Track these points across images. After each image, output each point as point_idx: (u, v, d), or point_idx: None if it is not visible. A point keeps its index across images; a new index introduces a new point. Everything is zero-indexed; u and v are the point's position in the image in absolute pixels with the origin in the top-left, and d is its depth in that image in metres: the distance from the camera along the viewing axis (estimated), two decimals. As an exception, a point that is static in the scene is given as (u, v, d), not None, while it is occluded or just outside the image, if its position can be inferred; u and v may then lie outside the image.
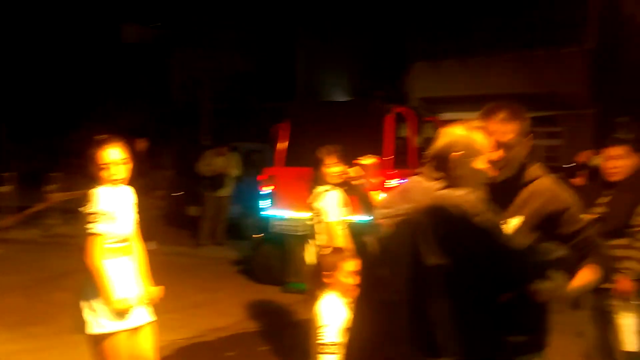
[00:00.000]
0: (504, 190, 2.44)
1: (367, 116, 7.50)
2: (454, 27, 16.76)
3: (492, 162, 2.40)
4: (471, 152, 2.22)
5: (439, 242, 2.04)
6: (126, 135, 3.78)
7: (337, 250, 3.58)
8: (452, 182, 2.20)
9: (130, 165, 3.28)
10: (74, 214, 3.23)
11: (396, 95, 15.85)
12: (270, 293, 7.07)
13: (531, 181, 2.43)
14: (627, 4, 15.48)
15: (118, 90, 25.03)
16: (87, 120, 19.97)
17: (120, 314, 3.16)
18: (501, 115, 2.42)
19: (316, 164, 4.66)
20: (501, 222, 2.40)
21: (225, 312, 6.37)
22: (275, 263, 7.29)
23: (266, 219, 7.55)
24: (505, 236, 2.07)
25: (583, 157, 5.23)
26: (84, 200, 3.18)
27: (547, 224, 2.35)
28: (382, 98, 7.81)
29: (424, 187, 2.20)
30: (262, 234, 7.93)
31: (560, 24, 15.43)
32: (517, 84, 15.44)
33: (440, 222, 2.06)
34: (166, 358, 4.95)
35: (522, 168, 2.45)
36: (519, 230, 2.36)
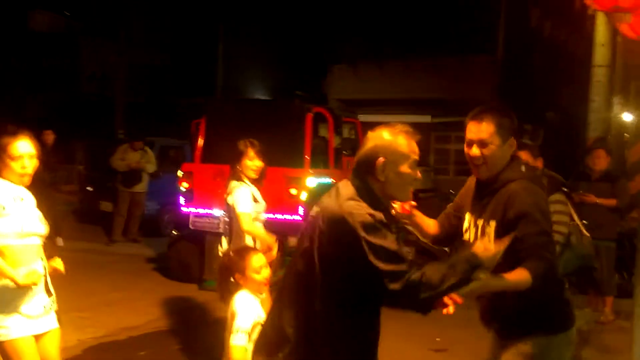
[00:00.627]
0: (484, 192, 2.59)
1: (286, 115, 7.56)
2: (372, 33, 17.14)
3: (472, 160, 2.56)
4: (397, 157, 2.23)
5: (325, 249, 2.13)
6: (32, 127, 3.64)
7: (242, 249, 3.60)
8: (378, 186, 2.23)
9: (37, 161, 3.17)
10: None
11: (315, 96, 16.03)
12: (187, 291, 6.97)
13: (504, 184, 2.53)
14: (534, 17, 16.37)
15: (24, 79, 23.81)
16: (-10, 110, 18.86)
17: (24, 319, 3.05)
18: (478, 114, 2.56)
19: (235, 159, 4.64)
20: (483, 223, 2.54)
21: (139, 311, 6.21)
22: (192, 260, 7.20)
23: (184, 216, 7.44)
24: (389, 258, 2.09)
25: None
26: None
27: (511, 229, 2.40)
28: (301, 98, 7.87)
29: (338, 193, 2.23)
30: (180, 231, 7.81)
31: (471, 33, 16.13)
32: (431, 89, 16.03)
33: (331, 231, 2.12)
34: (74, 358, 4.80)
35: (503, 170, 2.56)
36: (494, 234, 2.47)
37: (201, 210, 7.20)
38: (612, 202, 5.89)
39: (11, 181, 3.11)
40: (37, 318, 3.13)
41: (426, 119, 15.77)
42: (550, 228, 2.49)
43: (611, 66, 8.67)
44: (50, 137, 9.06)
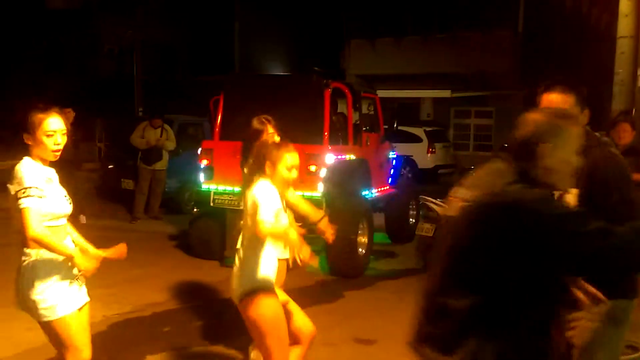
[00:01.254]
0: None
1: (305, 91, 7.48)
2: (390, 7, 16.90)
3: None
4: (560, 143, 2.07)
5: (492, 238, 1.96)
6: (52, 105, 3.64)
7: (282, 142, 3.53)
8: (537, 172, 2.08)
9: (66, 138, 3.19)
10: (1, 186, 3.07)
11: (333, 71, 15.91)
12: (208, 268, 7.04)
13: (583, 153, 2.53)
14: (556, -11, 16.03)
15: (42, 58, 23.92)
16: (8, 89, 19.00)
17: (68, 296, 3.10)
18: (560, 87, 2.67)
19: (251, 138, 4.50)
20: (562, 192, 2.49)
21: (162, 287, 6.29)
22: (214, 237, 7.25)
23: (204, 193, 7.47)
24: (579, 229, 1.92)
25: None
26: (11, 174, 3.03)
27: (593, 198, 2.45)
28: (320, 73, 7.78)
29: (497, 177, 2.07)
30: (200, 208, 7.85)
31: (491, 7, 15.85)
32: (449, 64, 15.81)
33: (500, 218, 1.96)
34: (100, 333, 4.86)
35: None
36: (577, 202, 2.51)
37: (221, 187, 7.22)
38: (638, 176, 5.78)
39: (41, 159, 3.12)
40: (75, 293, 3.17)
41: (446, 93, 15.60)
42: (632, 194, 2.56)
43: (635, 37, 8.49)
44: (70, 114, 9.11)
